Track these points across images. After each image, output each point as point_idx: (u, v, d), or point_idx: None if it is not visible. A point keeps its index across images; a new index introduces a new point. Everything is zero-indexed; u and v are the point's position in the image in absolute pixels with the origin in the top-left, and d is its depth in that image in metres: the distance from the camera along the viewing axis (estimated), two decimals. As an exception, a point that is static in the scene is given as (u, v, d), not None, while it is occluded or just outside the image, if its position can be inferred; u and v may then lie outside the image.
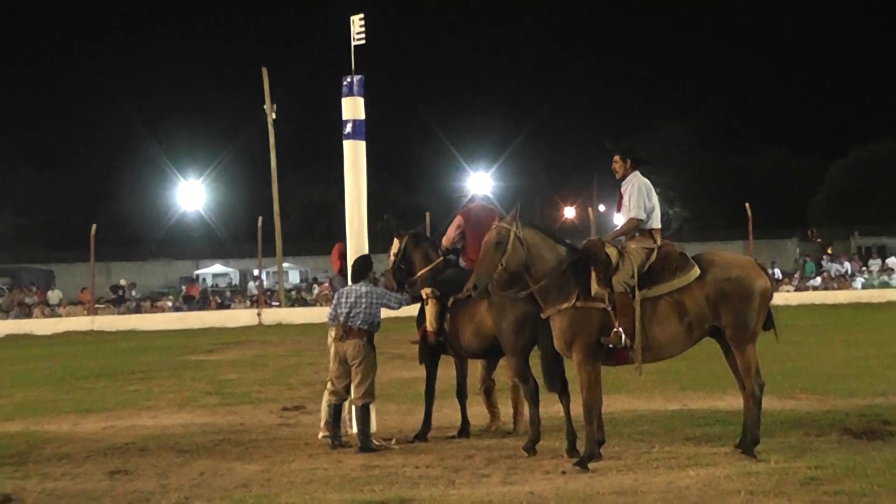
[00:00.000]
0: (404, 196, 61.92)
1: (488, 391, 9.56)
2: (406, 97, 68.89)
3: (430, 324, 9.05)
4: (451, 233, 9.34)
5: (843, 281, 35.95)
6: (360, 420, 8.77)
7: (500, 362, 9.37)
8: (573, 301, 7.71)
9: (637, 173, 8.29)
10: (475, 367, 9.67)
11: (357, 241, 9.59)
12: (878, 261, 39.47)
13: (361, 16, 9.76)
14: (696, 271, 7.73)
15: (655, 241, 8.04)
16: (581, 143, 68.49)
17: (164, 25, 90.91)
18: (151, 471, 8.05)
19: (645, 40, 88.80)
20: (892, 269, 36.75)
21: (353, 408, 8.92)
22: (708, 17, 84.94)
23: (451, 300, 8.91)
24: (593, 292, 7.71)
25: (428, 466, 7.88)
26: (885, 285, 34.61)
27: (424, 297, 9.10)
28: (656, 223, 8.15)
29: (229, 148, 51.60)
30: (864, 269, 38.34)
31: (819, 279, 36.33)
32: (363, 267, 9.17)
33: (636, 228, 8.08)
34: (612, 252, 7.81)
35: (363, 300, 8.85)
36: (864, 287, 34.61)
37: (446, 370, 9.54)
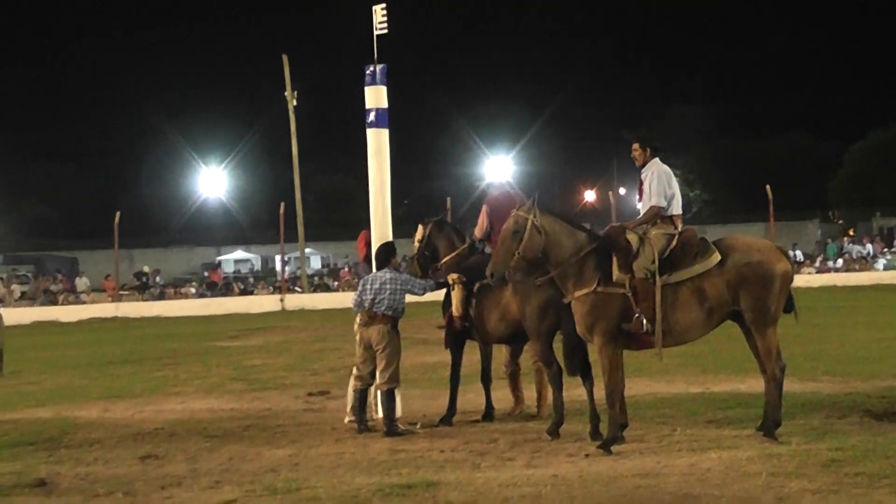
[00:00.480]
0: (424, 182, 61.87)
1: (513, 376, 9.64)
2: (425, 83, 68.78)
3: (456, 309, 9.13)
4: (482, 222, 9.44)
5: (865, 263, 35.75)
6: (386, 405, 8.89)
7: (525, 347, 9.46)
8: (594, 286, 7.80)
9: (657, 160, 8.33)
10: (500, 352, 9.77)
11: (381, 228, 9.69)
12: (901, 242, 39.21)
13: (383, 5, 9.84)
14: (717, 256, 7.77)
15: (676, 227, 8.09)
16: (600, 126, 68.16)
17: (186, 14, 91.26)
18: (181, 455, 8.17)
19: (663, 24, 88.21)
20: (915, 251, 36.49)
21: (379, 393, 9.03)
22: (726, 1, 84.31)
23: (476, 286, 8.99)
24: (615, 278, 7.78)
25: (453, 450, 7.97)
26: (908, 266, 34.36)
27: (451, 282, 9.19)
28: (677, 209, 8.19)
29: (250, 135, 51.84)
30: (886, 250, 38.10)
31: (841, 261, 36.14)
32: (386, 253, 9.27)
33: (658, 216, 8.11)
34: (632, 238, 7.88)
35: (387, 286, 8.95)
36: (886, 269, 34.38)
37: (470, 355, 9.64)
